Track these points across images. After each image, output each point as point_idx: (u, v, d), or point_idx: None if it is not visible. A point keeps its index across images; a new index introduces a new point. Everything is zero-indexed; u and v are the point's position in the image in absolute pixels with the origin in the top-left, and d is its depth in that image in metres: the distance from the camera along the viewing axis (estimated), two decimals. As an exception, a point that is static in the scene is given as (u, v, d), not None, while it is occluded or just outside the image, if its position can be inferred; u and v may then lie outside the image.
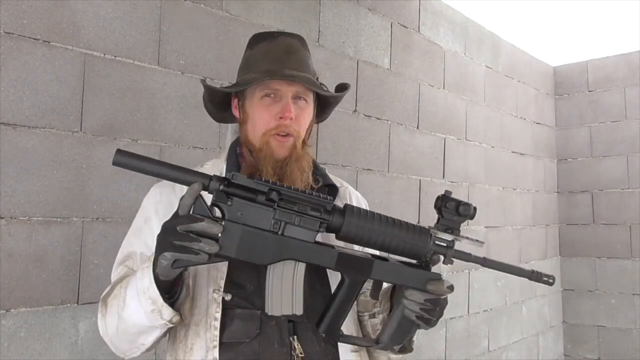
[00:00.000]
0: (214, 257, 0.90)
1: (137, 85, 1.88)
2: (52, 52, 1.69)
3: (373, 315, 1.15)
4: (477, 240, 1.01)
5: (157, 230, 0.91)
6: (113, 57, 1.83)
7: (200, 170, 1.14)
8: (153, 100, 1.92)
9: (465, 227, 3.43)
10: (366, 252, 1.04)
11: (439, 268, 1.04)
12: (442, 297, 1.00)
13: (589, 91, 4.49)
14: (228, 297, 1.04)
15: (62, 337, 1.67)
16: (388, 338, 1.02)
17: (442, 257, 1.01)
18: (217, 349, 1.00)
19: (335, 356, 1.07)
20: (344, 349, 1.08)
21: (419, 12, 3.19)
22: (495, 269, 1.04)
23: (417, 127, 3.13)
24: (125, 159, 0.90)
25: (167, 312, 0.95)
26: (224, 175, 1.13)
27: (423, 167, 3.14)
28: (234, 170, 1.12)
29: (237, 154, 1.20)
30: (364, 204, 1.29)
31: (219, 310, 1.03)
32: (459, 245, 1.03)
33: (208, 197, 0.91)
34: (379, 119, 2.86)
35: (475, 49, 3.68)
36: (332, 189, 1.22)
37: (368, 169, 2.77)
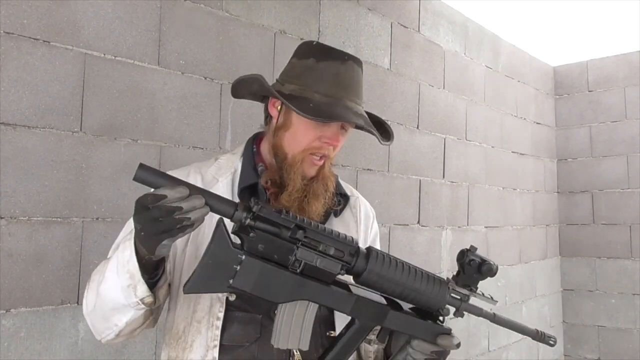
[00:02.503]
0: (226, 288, 0.88)
1: (137, 85, 1.88)
2: (52, 52, 1.69)
3: (369, 342, 1.15)
4: (491, 299, 1.04)
5: None
6: (113, 57, 1.83)
7: (214, 165, 1.14)
8: (153, 100, 1.92)
9: (465, 227, 3.43)
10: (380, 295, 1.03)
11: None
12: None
13: (589, 91, 4.49)
14: (232, 298, 1.04)
15: (62, 337, 1.67)
16: None
17: (453, 309, 1.03)
18: (217, 349, 1.00)
19: None
20: None
21: (419, 12, 3.19)
22: (503, 326, 1.10)
23: (417, 127, 3.13)
24: (147, 175, 0.90)
25: (142, 289, 0.93)
26: (238, 171, 1.14)
27: (423, 167, 3.14)
28: (249, 168, 1.13)
29: (254, 152, 1.18)
30: (371, 215, 1.30)
31: (222, 309, 1.03)
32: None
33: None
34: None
35: (475, 49, 3.68)
36: (344, 198, 1.22)
37: (368, 169, 2.77)
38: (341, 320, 1.07)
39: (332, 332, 1.08)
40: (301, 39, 2.45)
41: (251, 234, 0.88)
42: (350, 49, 2.72)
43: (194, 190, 0.86)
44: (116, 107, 1.83)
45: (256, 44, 2.26)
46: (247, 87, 1.17)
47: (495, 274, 1.01)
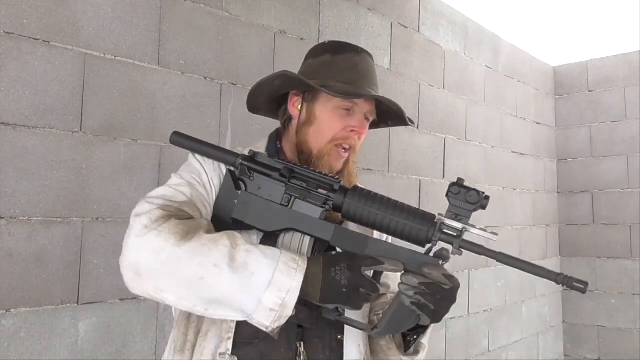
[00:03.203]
0: (228, 221, 1.00)
1: (137, 85, 1.88)
2: (52, 52, 1.69)
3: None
4: (491, 232, 0.96)
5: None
6: (113, 57, 1.83)
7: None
8: (153, 100, 1.92)
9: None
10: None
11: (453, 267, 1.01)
12: (444, 285, 0.94)
13: (589, 91, 4.49)
14: None
15: (62, 337, 1.67)
16: (384, 324, 1.00)
17: (450, 249, 0.98)
18: (231, 341, 0.99)
19: None
20: (348, 359, 1.07)
21: (419, 12, 3.19)
22: (510, 266, 0.98)
23: (417, 127, 3.13)
24: (180, 140, 1.11)
25: (281, 322, 0.91)
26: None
27: (423, 167, 3.15)
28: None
29: (278, 148, 1.19)
30: None
31: None
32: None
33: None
34: (379, 119, 2.86)
35: (475, 49, 3.68)
36: None
37: (368, 169, 2.77)
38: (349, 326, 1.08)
39: (341, 335, 1.08)
40: (301, 39, 2.45)
41: (251, 178, 1.03)
42: (350, 49, 2.72)
43: (210, 147, 1.09)
44: (116, 107, 1.83)
45: (256, 44, 2.26)
46: (267, 89, 1.17)
47: (485, 203, 0.97)
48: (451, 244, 0.97)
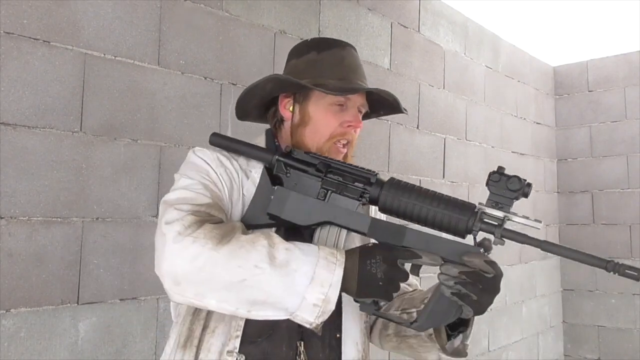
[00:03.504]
0: (266, 217, 1.01)
1: (137, 85, 1.88)
2: (52, 52, 1.69)
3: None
4: (535, 220, 0.92)
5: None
6: (113, 57, 1.83)
7: (241, 156, 1.14)
8: (153, 100, 1.92)
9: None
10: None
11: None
12: (486, 274, 0.92)
13: (589, 91, 4.49)
14: None
15: (62, 337, 1.67)
16: (424, 318, 0.97)
17: (492, 238, 0.94)
18: (239, 339, 0.99)
19: None
20: (347, 358, 1.07)
21: (419, 12, 3.19)
22: (557, 254, 0.95)
23: (417, 127, 3.13)
24: (219, 140, 1.11)
25: (323, 318, 0.91)
26: None
27: (423, 167, 3.15)
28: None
29: (277, 145, 1.18)
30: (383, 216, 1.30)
31: None
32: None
33: None
34: (379, 119, 2.86)
35: (475, 49, 3.68)
36: None
37: (368, 169, 2.77)
38: (348, 323, 1.08)
39: (339, 334, 1.08)
40: (301, 39, 2.45)
41: (287, 174, 1.05)
42: (350, 49, 2.72)
43: (245, 145, 1.10)
44: (116, 107, 1.83)
45: (256, 44, 2.26)
46: (258, 94, 1.16)
47: (524, 188, 0.93)
48: (492, 233, 0.94)
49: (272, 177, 1.06)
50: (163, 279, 0.89)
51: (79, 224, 1.73)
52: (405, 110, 1.21)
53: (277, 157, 1.06)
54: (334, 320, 1.07)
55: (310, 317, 0.89)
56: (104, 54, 1.81)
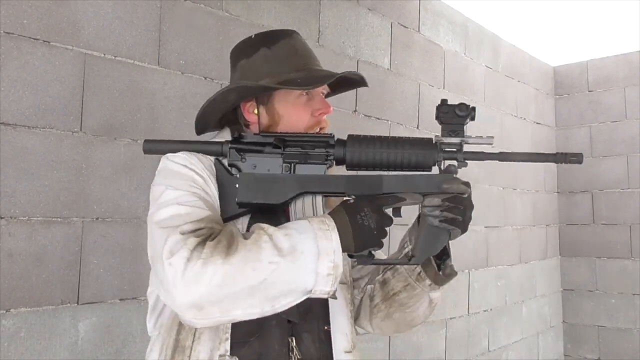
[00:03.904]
0: (237, 209, 1.00)
1: (137, 85, 1.88)
2: (52, 52, 1.69)
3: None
4: (487, 137, 1.02)
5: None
6: (113, 57, 1.83)
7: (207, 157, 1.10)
8: (153, 100, 1.92)
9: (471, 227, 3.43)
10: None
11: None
12: (463, 195, 1.01)
13: (589, 91, 4.49)
14: None
15: (62, 337, 1.67)
16: (419, 251, 1.02)
17: (455, 163, 1.03)
18: (228, 342, 0.98)
19: (329, 357, 1.07)
20: (337, 349, 1.07)
21: (419, 12, 3.19)
22: (515, 161, 1.06)
23: (417, 127, 3.13)
24: (157, 146, 1.06)
25: (337, 283, 0.93)
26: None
27: (423, 167, 3.14)
28: None
29: None
30: None
31: None
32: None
33: None
34: (379, 119, 2.86)
35: (475, 49, 3.68)
36: None
37: (368, 169, 2.77)
38: (335, 314, 1.09)
39: (327, 326, 1.08)
40: (301, 39, 2.45)
41: (243, 160, 1.02)
42: (350, 49, 2.72)
43: (189, 143, 1.05)
44: (116, 107, 1.83)
45: (256, 44, 2.26)
46: (221, 107, 1.14)
47: (471, 111, 1.01)
48: (455, 159, 1.03)
49: (226, 167, 1.03)
50: (183, 311, 0.86)
51: (79, 224, 1.73)
52: (366, 84, 1.21)
53: (229, 145, 1.03)
54: (322, 313, 1.07)
55: (327, 286, 0.91)
56: (104, 54, 1.81)
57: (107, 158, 1.79)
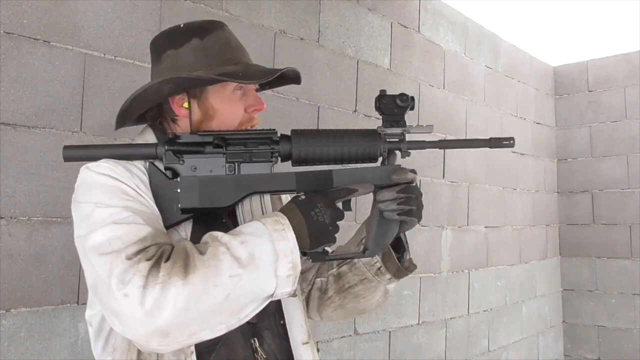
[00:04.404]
0: (179, 215, 0.94)
1: (137, 85, 1.87)
2: (52, 52, 1.69)
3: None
4: (427, 126, 1.03)
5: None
6: (113, 57, 1.83)
7: (134, 163, 1.01)
8: (153, 100, 1.92)
9: (465, 227, 3.44)
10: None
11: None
12: (412, 184, 1.02)
13: (589, 91, 4.49)
14: None
15: (62, 337, 1.67)
16: (373, 243, 1.02)
17: (398, 153, 1.03)
18: (194, 354, 0.94)
19: (289, 351, 1.06)
20: (294, 342, 1.07)
21: (419, 12, 3.19)
22: (453, 148, 1.10)
23: (417, 127, 3.12)
24: (74, 152, 0.99)
25: (296, 281, 0.90)
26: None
27: (423, 167, 3.14)
28: None
29: None
30: None
31: None
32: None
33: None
34: (379, 119, 2.85)
35: (475, 49, 3.69)
36: None
37: (368, 169, 2.77)
38: (289, 307, 1.08)
39: (282, 320, 1.07)
40: (301, 39, 2.45)
41: (181, 162, 0.96)
42: (350, 49, 2.72)
43: (116, 148, 0.98)
44: (116, 107, 1.81)
45: (256, 44, 2.26)
46: (151, 100, 1.06)
47: (410, 101, 1.02)
48: (399, 149, 1.04)
49: (162, 170, 0.96)
50: (146, 340, 0.80)
51: (79, 224, 1.73)
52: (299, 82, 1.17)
53: (165, 147, 0.95)
54: (275, 308, 1.06)
55: (288, 287, 0.89)
56: (104, 54, 1.81)
57: (107, 158, 1.79)
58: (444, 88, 3.36)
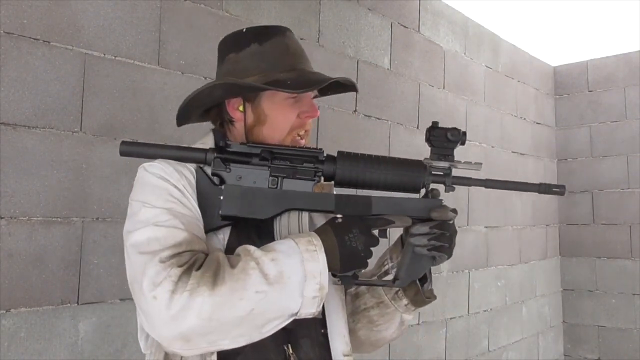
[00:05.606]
0: (219, 221, 0.96)
1: (137, 85, 1.88)
2: (52, 52, 1.69)
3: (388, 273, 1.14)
4: (475, 163, 1.01)
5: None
6: (113, 57, 1.83)
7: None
8: (153, 100, 1.92)
9: (466, 227, 3.43)
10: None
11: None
12: (449, 221, 1.01)
13: (589, 91, 4.49)
14: None
15: (62, 337, 1.67)
16: (404, 274, 1.02)
17: (443, 187, 1.03)
18: (214, 355, 0.94)
19: None
20: (335, 353, 1.05)
21: (419, 12, 3.19)
22: (500, 189, 1.06)
23: (417, 127, 3.13)
24: (131, 148, 1.02)
25: (321, 303, 0.91)
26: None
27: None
28: None
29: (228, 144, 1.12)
30: None
31: None
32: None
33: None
34: (379, 119, 2.86)
35: (475, 49, 3.68)
36: None
37: (368, 169, 2.77)
38: (332, 317, 1.07)
39: (324, 329, 1.07)
40: (301, 39, 2.45)
41: (227, 170, 0.99)
42: (350, 49, 2.72)
43: (170, 149, 1.01)
44: (116, 107, 1.83)
45: (256, 44, 2.26)
46: (205, 102, 1.10)
47: (464, 139, 1.01)
48: (443, 183, 1.03)
49: (209, 176, 0.99)
50: (169, 343, 0.84)
51: (79, 224, 1.73)
52: (357, 89, 1.18)
53: (214, 154, 0.99)
54: (318, 316, 1.05)
55: (312, 308, 0.90)
56: (104, 54, 1.81)
57: (107, 158, 1.79)
58: (444, 88, 3.36)
